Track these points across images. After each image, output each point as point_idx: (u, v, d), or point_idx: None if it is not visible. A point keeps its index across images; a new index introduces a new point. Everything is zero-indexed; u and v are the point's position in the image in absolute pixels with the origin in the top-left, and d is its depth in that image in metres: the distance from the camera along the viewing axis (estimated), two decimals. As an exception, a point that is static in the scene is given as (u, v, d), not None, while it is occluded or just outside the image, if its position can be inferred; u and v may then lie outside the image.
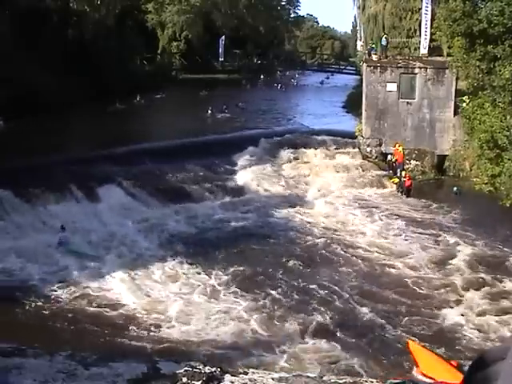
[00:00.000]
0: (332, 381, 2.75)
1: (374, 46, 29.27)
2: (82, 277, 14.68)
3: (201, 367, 2.70)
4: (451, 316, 13.25)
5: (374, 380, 6.98)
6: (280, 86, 52.25)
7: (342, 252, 17.11)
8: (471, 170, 23.36)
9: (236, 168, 23.86)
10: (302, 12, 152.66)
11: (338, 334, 12.32)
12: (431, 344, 11.94)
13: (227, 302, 13.70)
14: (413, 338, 10.99)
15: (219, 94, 43.05)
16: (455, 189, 22.41)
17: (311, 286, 14.76)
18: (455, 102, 24.47)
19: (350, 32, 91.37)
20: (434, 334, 12.47)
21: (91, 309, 13.30)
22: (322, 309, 13.46)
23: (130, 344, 11.68)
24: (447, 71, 24.25)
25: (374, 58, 26.46)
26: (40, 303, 13.38)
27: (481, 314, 13.25)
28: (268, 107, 40.59)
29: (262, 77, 54.49)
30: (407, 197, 22.27)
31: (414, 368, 7.43)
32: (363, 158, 25.44)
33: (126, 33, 43.20)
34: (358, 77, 44.29)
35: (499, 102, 20.76)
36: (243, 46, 59.00)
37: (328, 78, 59.35)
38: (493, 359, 0.92)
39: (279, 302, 13.81)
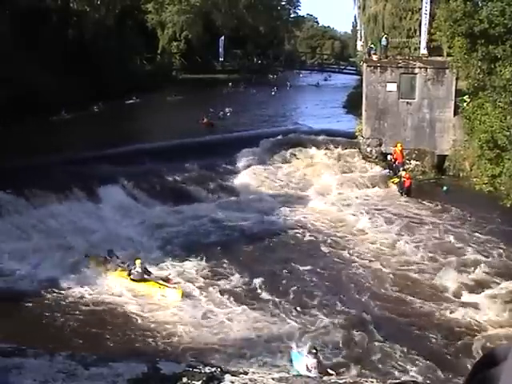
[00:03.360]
0: (332, 381, 2.74)
1: (373, 46, 29.31)
2: (82, 276, 14.68)
3: (201, 367, 2.69)
4: (450, 315, 13.26)
5: (374, 380, 6.99)
6: (273, 89, 46.22)
7: (342, 252, 17.11)
8: (471, 170, 23.38)
9: (236, 168, 23.88)
10: (302, 12, 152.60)
11: (339, 334, 12.32)
12: (428, 343, 11.97)
13: (227, 302, 13.69)
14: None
15: (193, 99, 38.48)
16: (445, 188, 22.69)
17: (311, 286, 14.78)
18: (455, 102, 24.49)
19: (350, 32, 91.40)
20: (431, 332, 12.47)
21: (91, 309, 13.30)
22: (323, 309, 13.48)
23: (130, 344, 11.69)
24: (447, 71, 24.25)
25: (374, 58, 26.48)
26: (40, 303, 13.39)
27: (479, 313, 13.26)
28: (250, 115, 35.50)
29: (249, 80, 49.13)
30: (407, 196, 22.26)
31: None
32: (363, 158, 25.44)
33: (126, 33, 43.16)
34: (357, 77, 44.13)
35: (499, 103, 20.76)
36: (243, 46, 58.94)
37: (326, 79, 58.40)
38: (495, 360, 0.92)
39: (279, 301, 13.81)
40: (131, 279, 14.26)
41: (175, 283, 14.29)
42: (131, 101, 37.79)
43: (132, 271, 14.26)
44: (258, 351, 11.61)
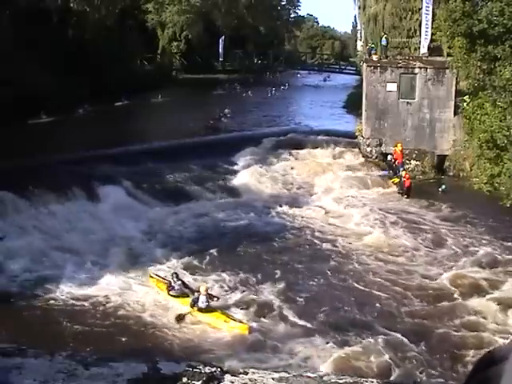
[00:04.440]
0: (332, 381, 2.75)
1: (373, 46, 29.32)
2: (82, 277, 14.67)
3: (201, 367, 2.69)
4: (448, 314, 13.25)
5: (374, 380, 6.98)
6: (269, 90, 44.45)
7: (342, 252, 17.10)
8: (471, 169, 23.38)
9: (236, 168, 23.89)
10: (302, 12, 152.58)
11: (338, 334, 12.32)
12: (426, 343, 11.95)
13: (227, 302, 13.69)
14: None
15: (182, 100, 36.91)
16: (443, 187, 22.75)
17: (311, 286, 14.76)
18: (455, 102, 24.49)
19: (350, 32, 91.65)
20: (429, 333, 12.47)
21: (91, 309, 13.30)
22: (322, 308, 13.47)
23: (130, 344, 11.68)
24: (447, 71, 24.25)
25: (374, 58, 26.48)
26: (40, 303, 13.38)
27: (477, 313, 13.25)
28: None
29: (246, 80, 46.82)
30: (407, 197, 22.26)
31: None
32: (363, 158, 25.44)
33: (125, 33, 43.15)
34: (357, 77, 44.04)
35: (499, 102, 20.76)
36: (243, 46, 58.95)
37: (325, 80, 58.00)
38: (496, 359, 0.92)
39: (279, 301, 13.80)
40: (196, 309, 12.84)
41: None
42: (120, 103, 35.99)
43: (196, 299, 12.83)
44: (258, 351, 11.61)
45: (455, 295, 14.24)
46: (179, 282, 13.59)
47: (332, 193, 22.71)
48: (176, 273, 13.99)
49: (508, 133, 20.09)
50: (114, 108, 34.84)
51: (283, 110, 39.64)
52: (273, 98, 43.08)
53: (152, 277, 14.46)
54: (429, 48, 26.00)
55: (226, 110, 32.64)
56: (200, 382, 2.57)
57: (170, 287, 13.61)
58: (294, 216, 20.14)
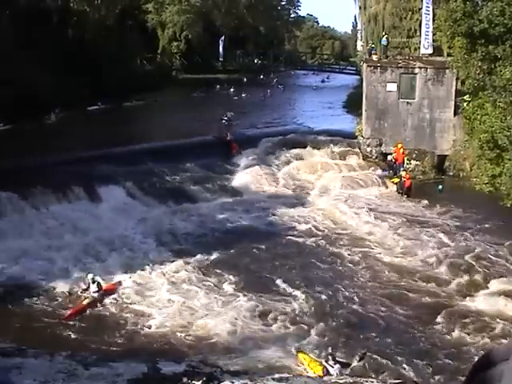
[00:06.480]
0: (332, 381, 2.75)
1: (374, 46, 29.31)
2: (82, 277, 14.67)
3: (201, 367, 2.69)
4: (447, 315, 13.26)
5: (374, 380, 6.98)
6: (264, 93, 41.72)
7: (342, 251, 17.10)
8: (471, 170, 23.38)
9: (236, 168, 23.87)
10: (302, 12, 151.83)
11: (338, 334, 12.32)
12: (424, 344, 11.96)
13: (227, 302, 13.70)
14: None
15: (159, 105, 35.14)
16: (439, 187, 22.80)
17: (310, 286, 14.76)
18: (455, 102, 24.48)
19: (350, 32, 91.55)
20: (427, 334, 12.47)
21: (91, 309, 13.31)
22: (322, 309, 13.47)
23: (130, 344, 11.68)
24: (447, 71, 24.25)
25: (374, 57, 26.47)
26: (40, 303, 13.39)
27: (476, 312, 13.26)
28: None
29: (239, 81, 44.37)
30: (407, 197, 22.25)
31: None
32: (363, 158, 25.44)
33: (126, 33, 43.11)
34: (357, 77, 43.93)
35: (499, 103, 20.74)
36: (243, 46, 58.88)
37: (324, 81, 57.48)
38: (496, 360, 0.92)
39: (279, 301, 13.81)
40: None
41: None
42: (95, 107, 33.02)
43: None
44: (258, 351, 11.61)
45: (455, 295, 14.27)
46: (338, 366, 10.59)
47: (332, 193, 22.70)
48: (332, 354, 11.07)
49: (509, 133, 20.05)
50: (87, 113, 31.82)
51: (281, 112, 37.32)
52: (269, 99, 41.04)
53: (302, 352, 11.56)
54: (433, 48, 25.89)
55: (229, 113, 28.83)
56: (200, 382, 2.57)
57: (326, 372, 10.51)
58: (294, 216, 20.12)
